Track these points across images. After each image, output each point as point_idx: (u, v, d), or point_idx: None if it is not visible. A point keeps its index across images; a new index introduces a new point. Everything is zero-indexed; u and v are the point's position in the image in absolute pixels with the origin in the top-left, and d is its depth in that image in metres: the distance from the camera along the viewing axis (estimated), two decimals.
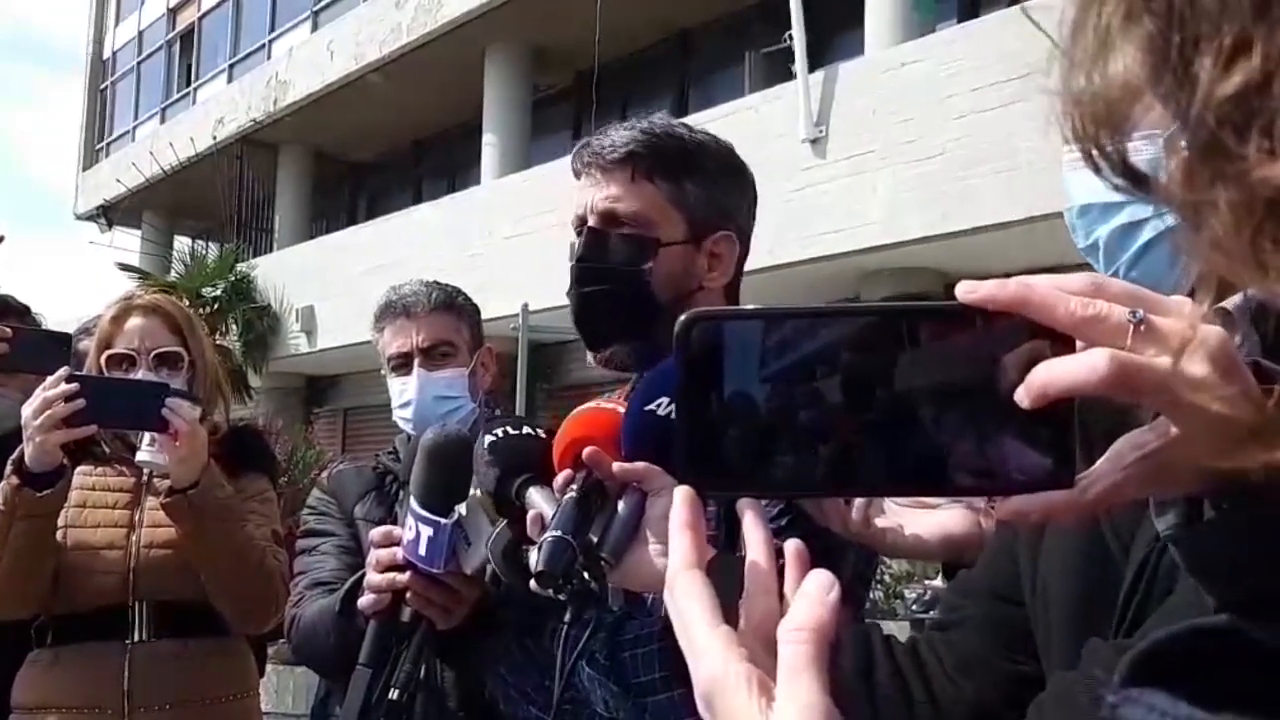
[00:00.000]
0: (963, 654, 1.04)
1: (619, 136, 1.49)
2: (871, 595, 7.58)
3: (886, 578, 8.02)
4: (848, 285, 9.83)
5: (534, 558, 1.06)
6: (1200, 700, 0.48)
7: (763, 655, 0.60)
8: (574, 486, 1.06)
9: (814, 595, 0.60)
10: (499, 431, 1.26)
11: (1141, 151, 0.46)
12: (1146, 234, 0.95)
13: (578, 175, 1.53)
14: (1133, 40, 0.43)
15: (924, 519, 1.25)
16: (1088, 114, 0.46)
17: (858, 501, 1.21)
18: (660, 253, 1.46)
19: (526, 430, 1.26)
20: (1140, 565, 0.74)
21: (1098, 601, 0.81)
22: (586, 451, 1.05)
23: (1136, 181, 0.46)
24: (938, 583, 6.45)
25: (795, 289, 9.45)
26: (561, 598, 1.05)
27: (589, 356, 1.52)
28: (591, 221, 1.49)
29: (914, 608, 7.28)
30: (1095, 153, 0.47)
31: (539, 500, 1.15)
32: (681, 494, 0.68)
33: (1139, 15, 0.43)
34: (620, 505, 1.04)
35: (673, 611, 0.64)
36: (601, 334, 1.49)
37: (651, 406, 1.07)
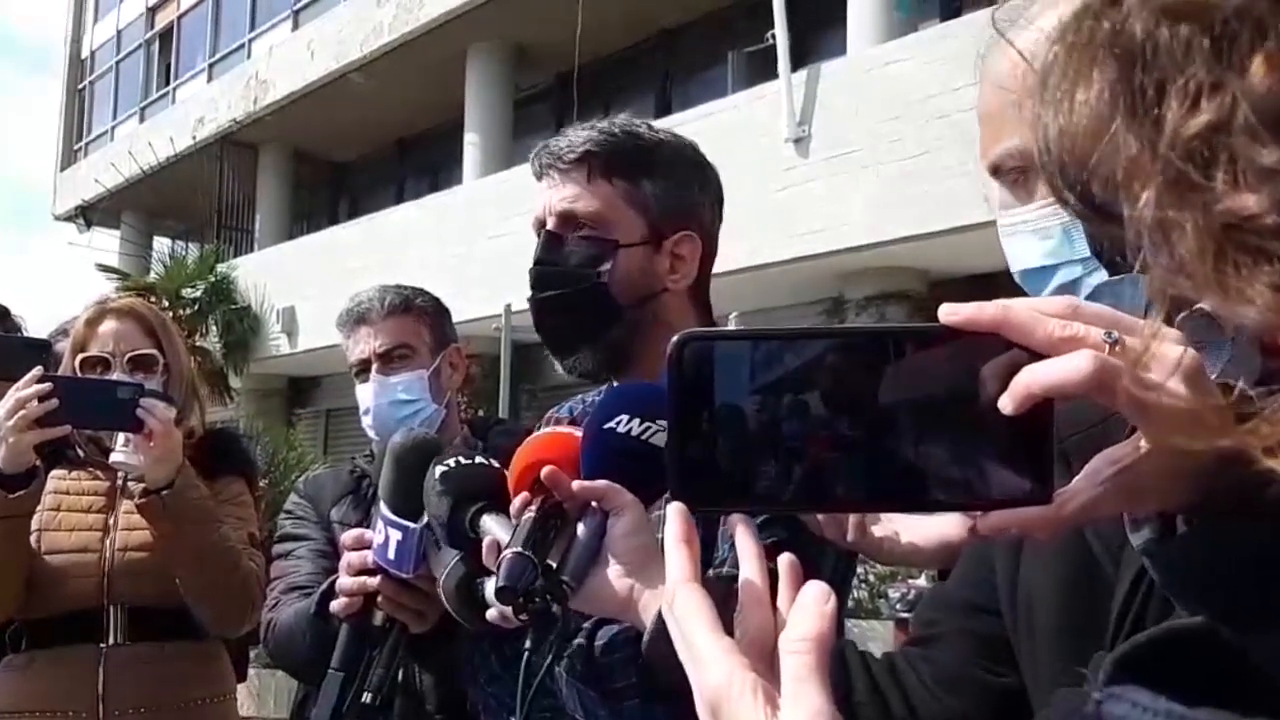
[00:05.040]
0: (943, 668, 1.02)
1: (576, 137, 1.46)
2: (855, 595, 7.60)
3: (870, 577, 8.02)
4: (830, 285, 9.83)
5: (489, 585, 1.03)
6: (1179, 696, 0.50)
7: (759, 667, 0.62)
8: (532, 508, 1.02)
9: (812, 607, 0.63)
10: (450, 462, 1.23)
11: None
12: (1082, 292, 1.00)
13: (539, 178, 1.51)
14: (1098, 80, 0.45)
15: (921, 526, 1.23)
16: (1055, 148, 0.48)
17: None
18: (619, 254, 1.43)
19: (479, 460, 1.23)
20: (1136, 578, 0.73)
21: (1087, 610, 0.80)
22: (545, 471, 1.02)
23: (1100, 212, 0.49)
24: (921, 582, 6.45)
25: (777, 289, 9.46)
26: (523, 618, 1.02)
27: (557, 365, 1.49)
28: (549, 224, 1.47)
29: (898, 607, 7.28)
30: (1060, 184, 0.49)
31: (494, 527, 1.12)
32: (674, 510, 0.70)
33: (1103, 58, 0.45)
34: (580, 527, 1.00)
35: (672, 624, 0.65)
36: (562, 339, 1.47)
37: (611, 425, 1.04)
